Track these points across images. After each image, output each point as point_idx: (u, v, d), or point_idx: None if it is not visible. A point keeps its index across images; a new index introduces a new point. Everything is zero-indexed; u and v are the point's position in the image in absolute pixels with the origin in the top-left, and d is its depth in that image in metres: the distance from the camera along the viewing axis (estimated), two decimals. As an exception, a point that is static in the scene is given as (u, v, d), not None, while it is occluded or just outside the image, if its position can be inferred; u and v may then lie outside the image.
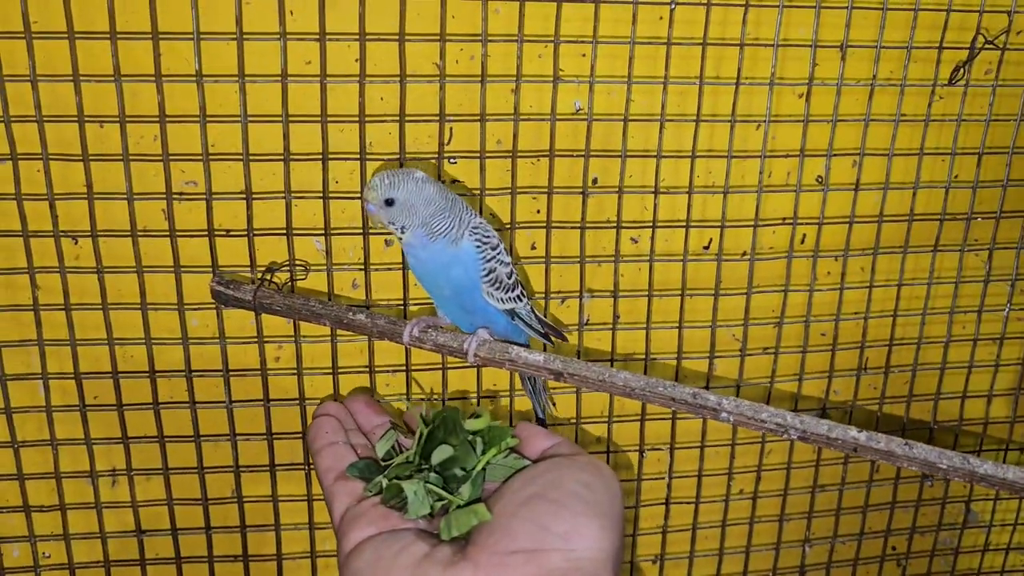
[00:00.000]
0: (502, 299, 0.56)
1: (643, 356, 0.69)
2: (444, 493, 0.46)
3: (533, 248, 0.68)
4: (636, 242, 0.69)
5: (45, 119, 0.57)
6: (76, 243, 0.62)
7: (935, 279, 0.72)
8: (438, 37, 0.59)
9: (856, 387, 0.74)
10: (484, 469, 0.48)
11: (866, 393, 0.76)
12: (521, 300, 0.58)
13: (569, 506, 0.42)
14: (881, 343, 0.74)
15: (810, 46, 0.64)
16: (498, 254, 0.56)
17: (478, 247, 0.55)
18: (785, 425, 0.54)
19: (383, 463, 0.50)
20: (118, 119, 0.58)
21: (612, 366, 0.60)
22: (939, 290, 0.73)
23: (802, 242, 0.71)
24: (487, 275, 0.55)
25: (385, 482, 0.47)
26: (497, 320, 0.58)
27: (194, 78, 0.58)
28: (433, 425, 0.50)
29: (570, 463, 0.46)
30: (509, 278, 0.56)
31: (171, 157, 0.59)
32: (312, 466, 0.66)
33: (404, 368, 0.66)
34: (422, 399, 0.68)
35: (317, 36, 0.58)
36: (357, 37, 0.58)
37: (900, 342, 0.74)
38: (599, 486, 0.45)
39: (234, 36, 0.57)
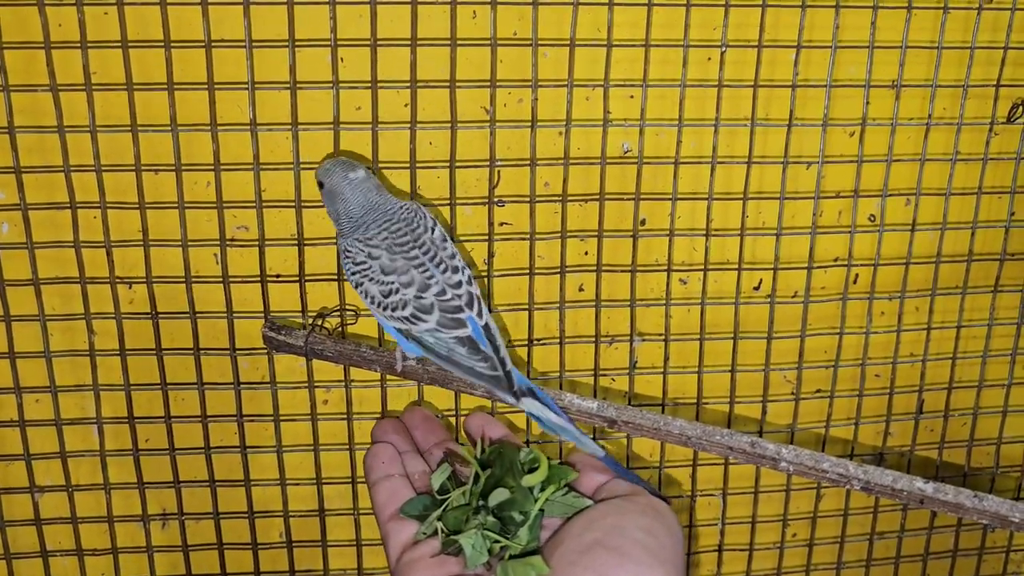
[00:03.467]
0: (383, 316, 0.54)
1: (694, 400, 0.68)
2: (501, 538, 0.45)
3: (581, 290, 0.67)
4: (685, 283, 0.68)
5: (103, 168, 0.59)
6: (131, 288, 0.63)
7: (995, 320, 0.70)
8: (488, 83, 0.59)
9: (915, 431, 0.72)
10: (542, 510, 0.47)
11: (924, 437, 0.74)
12: (418, 324, 0.53)
13: (632, 555, 0.41)
14: (939, 386, 0.72)
15: (863, 86, 0.63)
16: (364, 270, 0.53)
17: (344, 259, 0.54)
18: (847, 476, 0.53)
19: (439, 496, 0.49)
20: (174, 167, 0.59)
21: (664, 411, 0.59)
22: (999, 331, 0.71)
23: (855, 282, 0.69)
24: (356, 288, 0.54)
25: (440, 527, 0.46)
26: (397, 336, 0.55)
27: (248, 127, 0.58)
28: (489, 461, 0.49)
29: (632, 506, 0.45)
30: (386, 297, 0.53)
31: (225, 205, 0.60)
32: (360, 510, 0.66)
33: (454, 413, 0.66)
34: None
35: (368, 84, 0.59)
36: (408, 84, 0.59)
37: (960, 384, 0.72)
38: (662, 532, 0.43)
39: (287, 85, 0.58)
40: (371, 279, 0.53)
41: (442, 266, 0.53)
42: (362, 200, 0.54)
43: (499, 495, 0.47)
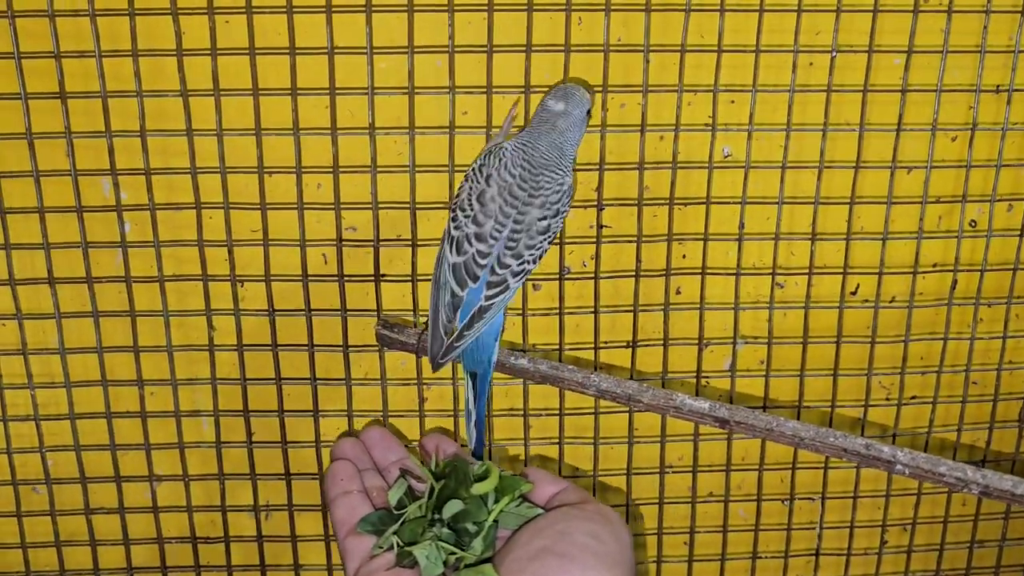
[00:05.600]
0: (455, 214, 0.56)
1: (795, 404, 0.68)
2: (456, 549, 0.47)
3: (678, 293, 0.68)
4: (782, 287, 0.69)
5: (228, 170, 0.61)
6: (242, 286, 0.65)
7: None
8: (600, 88, 0.61)
9: (1018, 439, 0.72)
10: (496, 521, 0.48)
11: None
12: (452, 252, 0.55)
13: (578, 559, 0.42)
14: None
15: (974, 90, 0.63)
16: (478, 177, 0.56)
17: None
18: (965, 480, 0.52)
19: (396, 511, 0.50)
20: (294, 169, 0.61)
21: (764, 413, 0.60)
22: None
23: (953, 288, 0.69)
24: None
25: (396, 541, 0.47)
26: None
27: (367, 130, 0.60)
28: (443, 475, 0.50)
29: (579, 513, 0.46)
30: (463, 211, 0.55)
31: (342, 206, 0.62)
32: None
33: (558, 412, 0.67)
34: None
35: (484, 89, 0.60)
36: (522, 89, 0.60)
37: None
38: (608, 536, 0.44)
39: (406, 90, 0.60)
40: (473, 188, 0.54)
41: (512, 243, 0.54)
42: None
43: (453, 507, 0.48)
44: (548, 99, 0.55)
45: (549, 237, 0.55)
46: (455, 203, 0.55)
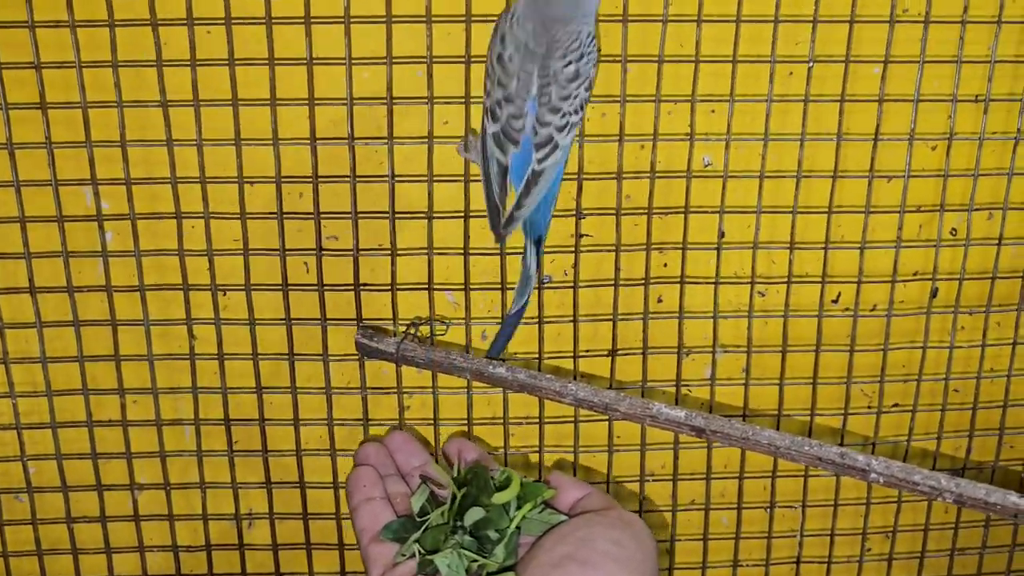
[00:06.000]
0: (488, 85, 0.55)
1: (773, 412, 0.68)
2: (478, 557, 0.47)
3: (660, 302, 0.68)
4: (763, 296, 0.69)
5: (208, 180, 0.61)
6: (225, 295, 0.66)
7: (1083, 336, 0.70)
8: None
9: (998, 447, 0.72)
10: (519, 527, 0.48)
11: (1006, 454, 0.73)
12: (488, 121, 0.55)
13: (601, 567, 0.42)
14: (1021, 402, 0.71)
15: (950, 100, 0.63)
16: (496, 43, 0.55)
17: None
18: (939, 488, 0.53)
19: (418, 519, 0.50)
20: (274, 179, 0.61)
21: (744, 422, 0.60)
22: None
23: (934, 296, 0.69)
24: None
25: (418, 549, 0.47)
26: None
27: (346, 140, 0.61)
28: (465, 482, 0.50)
29: (601, 519, 0.46)
30: (489, 76, 0.55)
31: (322, 215, 0.62)
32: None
33: (538, 421, 0.67)
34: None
35: (463, 99, 0.61)
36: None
37: (1043, 401, 0.71)
38: (631, 543, 0.44)
39: (384, 101, 0.60)
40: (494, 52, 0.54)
41: (544, 97, 0.53)
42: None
43: (474, 514, 0.48)
44: None
45: (582, 82, 0.54)
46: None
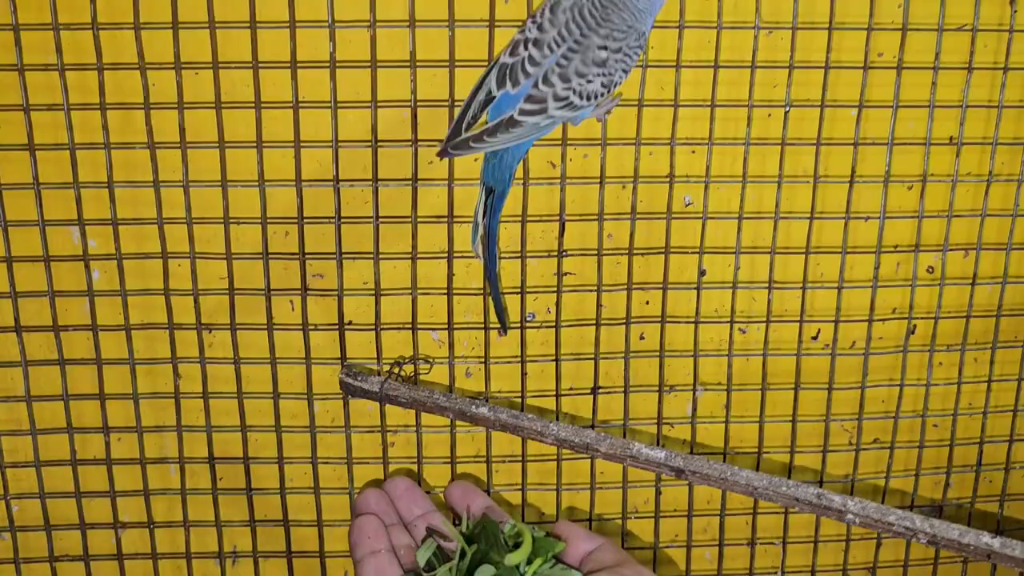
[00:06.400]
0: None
1: (754, 449, 0.69)
2: None
3: (642, 339, 0.69)
4: (744, 332, 0.70)
5: (194, 220, 0.62)
6: (211, 333, 0.66)
7: (1056, 374, 0.71)
8: (559, 141, 0.62)
9: (975, 484, 0.73)
10: None
11: (985, 490, 0.74)
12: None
13: None
14: (1000, 438, 0.72)
15: (923, 144, 0.65)
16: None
17: None
18: (913, 529, 0.53)
19: (426, 573, 0.49)
20: (259, 220, 0.62)
21: (725, 460, 0.61)
22: (1061, 385, 0.72)
23: (912, 332, 0.70)
24: None
25: None
26: None
27: (331, 182, 0.61)
28: (474, 537, 0.49)
29: None
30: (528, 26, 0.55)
31: (307, 256, 0.63)
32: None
33: (520, 459, 0.68)
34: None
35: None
36: (483, 143, 0.62)
37: (1020, 438, 0.72)
38: None
39: (369, 143, 0.61)
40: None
41: (565, 61, 0.53)
42: None
43: (485, 572, 0.47)
44: None
45: (605, 74, 0.54)
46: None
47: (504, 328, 0.64)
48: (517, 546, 0.49)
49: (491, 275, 0.61)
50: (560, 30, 0.54)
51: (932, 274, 0.69)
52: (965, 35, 0.63)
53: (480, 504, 0.54)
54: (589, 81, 0.54)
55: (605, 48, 0.53)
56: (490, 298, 0.63)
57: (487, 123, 0.55)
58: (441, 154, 0.56)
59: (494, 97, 0.55)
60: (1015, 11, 0.63)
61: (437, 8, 0.59)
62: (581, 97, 0.54)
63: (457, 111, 0.57)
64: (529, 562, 0.48)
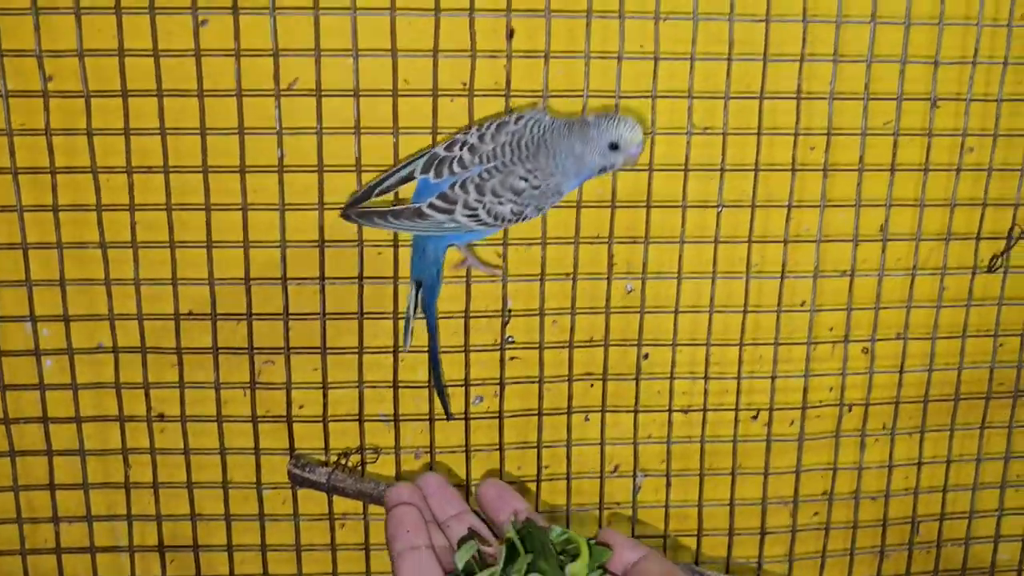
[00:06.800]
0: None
1: (695, 532, 0.71)
2: None
3: (587, 420, 0.71)
4: (687, 413, 0.72)
5: (145, 317, 0.63)
6: (163, 418, 0.67)
7: (984, 455, 0.74)
8: (500, 241, 0.65)
9: (908, 562, 0.75)
10: None
11: (920, 564, 0.76)
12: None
13: None
14: (932, 517, 0.75)
15: (851, 241, 0.68)
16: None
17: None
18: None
19: None
20: (209, 316, 0.64)
21: (666, 542, 0.62)
22: (988, 467, 0.75)
23: (849, 410, 0.73)
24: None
25: None
26: None
27: (279, 281, 0.63)
28: (520, 541, 0.46)
29: None
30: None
31: (256, 351, 0.65)
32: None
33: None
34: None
35: (391, 241, 0.64)
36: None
37: (952, 516, 0.75)
38: None
39: (316, 243, 0.63)
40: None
41: (486, 176, 0.56)
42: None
43: None
44: (618, 130, 0.56)
45: (517, 203, 0.57)
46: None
47: (448, 414, 0.66)
48: (564, 554, 0.46)
49: (434, 364, 0.64)
50: (496, 147, 0.57)
51: (867, 354, 0.72)
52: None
53: (517, 505, 0.49)
54: (501, 203, 0.57)
55: (525, 180, 0.57)
56: (435, 388, 0.66)
57: (394, 202, 0.58)
58: (345, 215, 0.59)
59: (414, 178, 0.59)
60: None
61: (381, 115, 0.62)
62: (489, 214, 0.57)
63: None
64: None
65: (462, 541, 0.47)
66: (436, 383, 0.65)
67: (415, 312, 0.63)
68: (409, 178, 0.59)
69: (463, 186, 0.57)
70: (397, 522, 0.47)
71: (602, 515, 0.70)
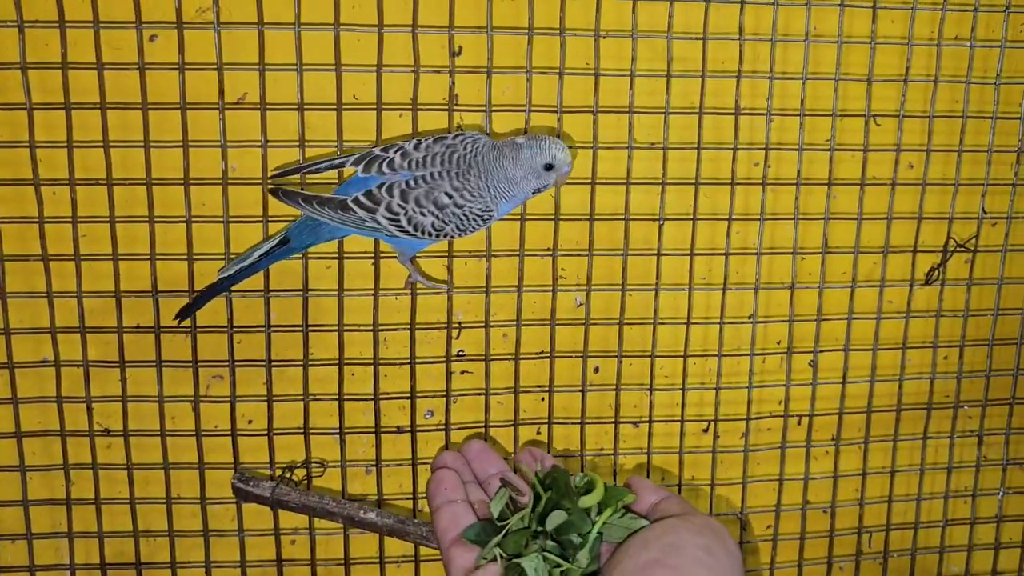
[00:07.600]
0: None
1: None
2: (562, 561, 0.46)
3: (538, 433, 0.71)
4: (637, 427, 0.73)
5: (88, 330, 0.63)
6: (108, 433, 0.67)
7: (927, 466, 0.75)
8: (446, 252, 0.65)
9: (856, 573, 0.76)
10: (601, 532, 0.47)
11: (869, 574, 0.77)
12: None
13: (690, 573, 0.41)
14: (878, 527, 0.75)
15: (791, 253, 0.69)
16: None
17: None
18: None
19: (498, 523, 0.49)
20: (153, 329, 0.64)
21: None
22: (934, 476, 0.76)
23: (799, 424, 0.74)
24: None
25: (499, 553, 0.46)
26: None
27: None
28: (546, 485, 0.50)
29: (687, 525, 0.45)
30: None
31: (200, 364, 0.65)
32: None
33: (413, 559, 0.69)
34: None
35: (373, 255, 0.64)
36: (372, 255, 0.64)
37: (898, 526, 0.76)
38: (720, 550, 0.43)
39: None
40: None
41: (412, 186, 0.57)
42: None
43: (557, 518, 0.47)
44: (551, 151, 0.58)
45: (438, 218, 0.58)
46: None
47: (180, 316, 0.62)
48: (588, 493, 0.49)
49: (214, 290, 0.61)
50: (428, 157, 0.58)
51: (812, 367, 0.73)
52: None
53: (548, 463, 0.54)
54: (423, 215, 0.58)
55: (450, 197, 0.58)
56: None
57: (333, 191, 0.59)
58: (272, 192, 0.59)
59: (344, 167, 0.60)
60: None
61: (328, 129, 0.62)
62: (409, 223, 0.58)
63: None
64: (600, 511, 0.48)
65: (496, 492, 0.51)
66: (199, 296, 0.62)
67: (258, 257, 0.61)
68: (340, 166, 0.60)
69: (389, 189, 0.58)
70: (437, 482, 0.51)
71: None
